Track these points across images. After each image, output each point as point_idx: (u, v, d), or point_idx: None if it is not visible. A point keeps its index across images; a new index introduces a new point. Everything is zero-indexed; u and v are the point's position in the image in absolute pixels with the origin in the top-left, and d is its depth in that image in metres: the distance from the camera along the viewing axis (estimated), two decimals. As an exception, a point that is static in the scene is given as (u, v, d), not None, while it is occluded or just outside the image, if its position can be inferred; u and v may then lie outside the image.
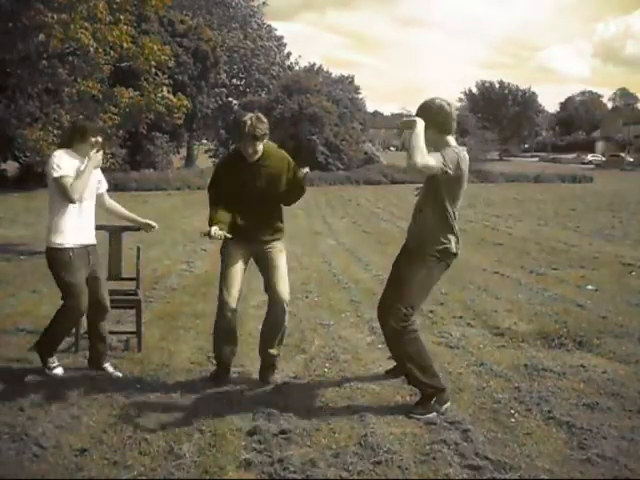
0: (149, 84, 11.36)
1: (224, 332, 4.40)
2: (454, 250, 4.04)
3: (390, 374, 4.55)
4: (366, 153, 36.51)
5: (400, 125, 4.03)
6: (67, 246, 4.33)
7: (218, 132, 40.22)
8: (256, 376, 4.53)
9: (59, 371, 4.49)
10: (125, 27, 10.52)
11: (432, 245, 3.98)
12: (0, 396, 4.04)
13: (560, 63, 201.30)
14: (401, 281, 4.03)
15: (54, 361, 4.50)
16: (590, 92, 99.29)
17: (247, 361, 4.85)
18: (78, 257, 4.36)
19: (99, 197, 4.69)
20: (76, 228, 4.38)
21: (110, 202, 4.85)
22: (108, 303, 4.59)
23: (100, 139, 4.54)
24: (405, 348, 3.97)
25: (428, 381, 3.97)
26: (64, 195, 4.27)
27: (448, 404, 3.99)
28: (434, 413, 3.89)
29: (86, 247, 4.45)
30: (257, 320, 6.02)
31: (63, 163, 4.32)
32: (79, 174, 4.31)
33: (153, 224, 4.88)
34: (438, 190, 3.93)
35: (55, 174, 4.28)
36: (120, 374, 4.54)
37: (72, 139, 4.48)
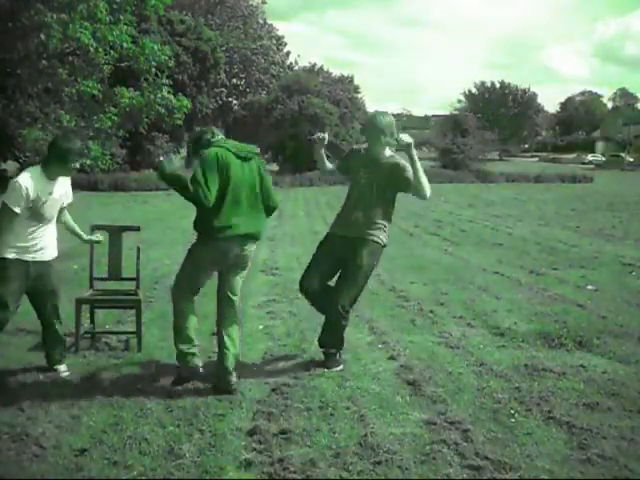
0: (149, 84, 11.37)
1: None
2: None
3: None
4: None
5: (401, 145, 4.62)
6: (6, 256, 4.20)
7: (218, 132, 40.18)
8: (256, 376, 4.54)
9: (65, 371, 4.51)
10: (125, 27, 10.54)
11: None
12: (0, 396, 4.04)
13: (560, 63, 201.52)
14: None
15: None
16: (590, 92, 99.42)
17: (247, 361, 4.85)
18: (14, 269, 4.22)
19: (60, 210, 4.56)
20: (21, 244, 4.24)
21: (66, 218, 4.73)
22: (55, 315, 4.56)
23: (78, 165, 4.42)
24: None
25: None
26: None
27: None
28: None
29: (27, 262, 4.28)
30: (257, 320, 6.04)
31: (25, 196, 4.12)
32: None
33: (97, 240, 4.94)
34: None
35: (8, 202, 4.12)
36: (68, 372, 4.52)
37: (50, 162, 4.30)
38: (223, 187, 4.15)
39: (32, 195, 4.16)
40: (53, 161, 4.29)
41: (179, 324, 4.37)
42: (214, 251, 4.26)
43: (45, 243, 4.39)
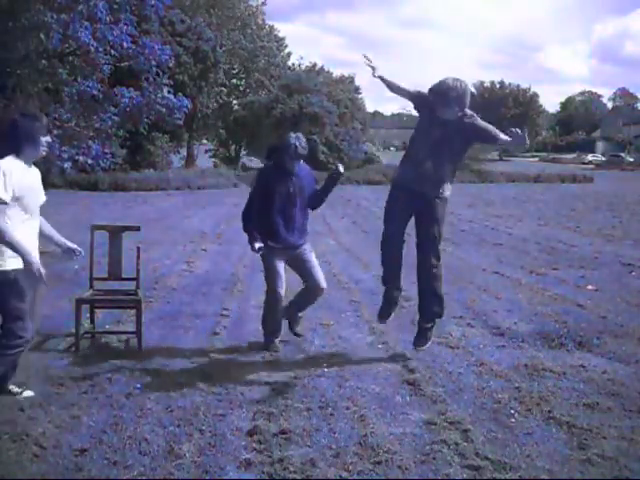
0: (149, 84, 11.38)
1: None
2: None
3: None
4: (366, 153, 36.50)
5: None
6: (8, 268, 3.74)
7: (218, 132, 40.19)
8: (256, 376, 4.54)
9: (29, 393, 4.06)
10: (125, 27, 10.54)
11: None
12: (0, 396, 4.04)
13: (560, 63, 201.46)
14: None
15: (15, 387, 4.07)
16: (590, 92, 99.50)
17: (247, 361, 4.85)
18: (23, 279, 3.77)
19: None
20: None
21: (42, 221, 4.14)
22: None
23: (49, 138, 4.00)
24: None
25: None
26: None
27: None
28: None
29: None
30: (257, 320, 6.02)
31: (10, 182, 3.65)
32: (15, 244, 3.66)
33: (76, 250, 4.25)
34: None
35: None
36: (31, 393, 4.06)
37: (20, 144, 3.80)
38: None
39: (16, 181, 3.69)
40: (23, 141, 3.81)
41: None
42: None
43: (32, 243, 3.95)
